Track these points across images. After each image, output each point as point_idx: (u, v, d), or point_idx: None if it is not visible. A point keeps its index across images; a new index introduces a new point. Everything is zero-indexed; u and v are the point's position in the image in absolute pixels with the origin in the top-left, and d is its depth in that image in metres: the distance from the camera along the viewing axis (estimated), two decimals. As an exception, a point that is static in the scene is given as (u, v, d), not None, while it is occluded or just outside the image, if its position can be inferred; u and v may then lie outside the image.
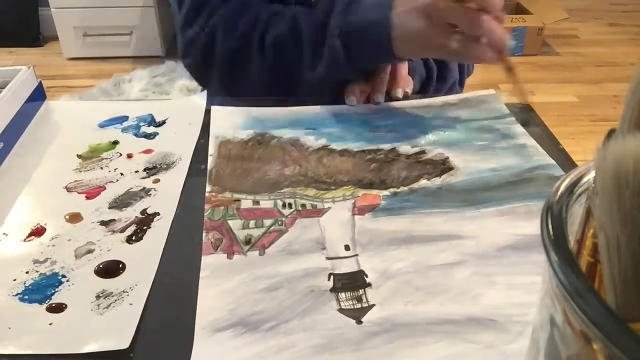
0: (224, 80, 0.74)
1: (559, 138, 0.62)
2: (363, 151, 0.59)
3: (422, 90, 0.77)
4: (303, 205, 0.51)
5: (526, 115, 0.67)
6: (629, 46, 2.77)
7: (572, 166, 0.57)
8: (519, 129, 0.63)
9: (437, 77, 0.78)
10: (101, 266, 0.44)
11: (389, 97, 0.68)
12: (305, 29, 0.67)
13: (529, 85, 2.34)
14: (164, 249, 0.45)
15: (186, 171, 0.55)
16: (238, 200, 0.51)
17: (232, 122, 0.64)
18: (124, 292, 0.41)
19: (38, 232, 0.47)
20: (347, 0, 0.64)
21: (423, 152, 0.59)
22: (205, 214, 0.49)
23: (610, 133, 0.23)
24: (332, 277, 0.43)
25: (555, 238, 0.21)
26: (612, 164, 0.19)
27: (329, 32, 0.65)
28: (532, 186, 0.53)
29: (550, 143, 0.61)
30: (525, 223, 0.48)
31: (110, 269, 0.43)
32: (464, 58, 0.70)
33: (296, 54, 0.68)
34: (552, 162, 0.56)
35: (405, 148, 0.59)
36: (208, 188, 0.53)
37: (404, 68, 0.70)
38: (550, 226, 0.22)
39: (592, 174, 0.24)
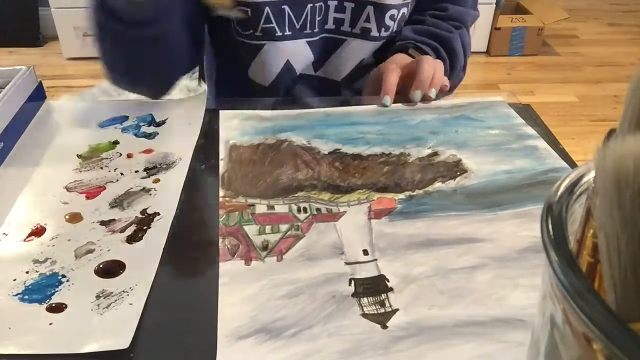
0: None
1: (559, 138, 0.62)
2: (375, 154, 0.59)
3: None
4: (318, 210, 0.51)
5: (526, 115, 0.67)
6: (629, 46, 2.77)
7: (572, 166, 0.57)
8: (529, 131, 0.63)
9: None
10: (101, 266, 0.44)
11: (406, 99, 0.68)
12: None
13: (529, 85, 2.34)
14: (164, 249, 0.45)
15: (186, 171, 0.55)
16: (252, 205, 0.51)
17: (241, 125, 0.63)
18: (124, 292, 0.41)
19: (38, 232, 0.47)
20: None
21: (435, 154, 0.59)
22: (220, 220, 0.49)
23: (610, 133, 0.23)
24: (353, 282, 0.43)
25: (555, 238, 0.21)
26: (612, 164, 0.19)
27: None
28: (546, 189, 0.52)
29: (551, 143, 0.61)
30: None
31: (110, 269, 0.43)
32: None
33: None
34: (565, 165, 0.57)
35: (417, 150, 0.59)
36: (221, 193, 0.52)
37: (425, 69, 0.67)
38: (550, 226, 0.22)
39: (592, 174, 0.24)
